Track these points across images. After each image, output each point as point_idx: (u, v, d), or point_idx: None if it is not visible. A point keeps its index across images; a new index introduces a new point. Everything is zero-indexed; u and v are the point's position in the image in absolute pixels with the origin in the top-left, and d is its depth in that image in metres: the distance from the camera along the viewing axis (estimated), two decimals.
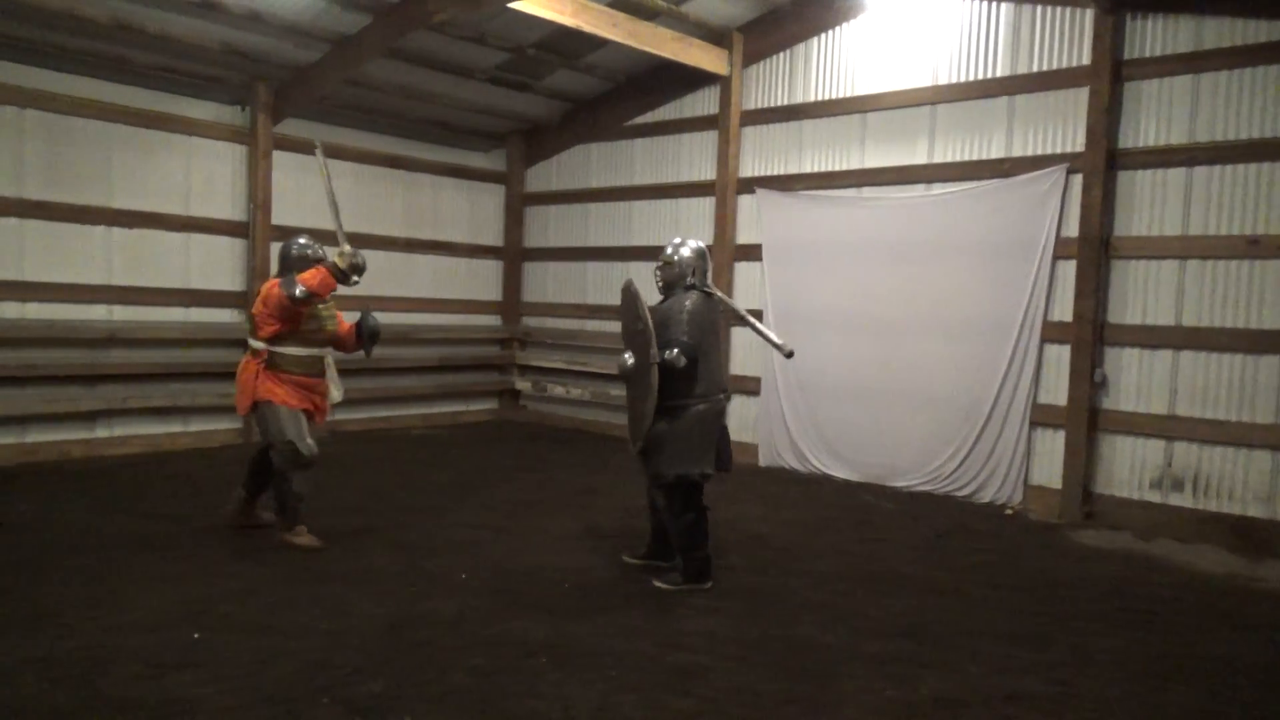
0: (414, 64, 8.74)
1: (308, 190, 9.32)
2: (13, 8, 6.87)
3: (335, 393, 5.73)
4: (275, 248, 9.03)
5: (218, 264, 8.75)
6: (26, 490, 6.63)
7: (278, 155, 8.98)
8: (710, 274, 5.25)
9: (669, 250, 5.16)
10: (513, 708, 3.51)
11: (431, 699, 3.56)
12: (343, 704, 3.49)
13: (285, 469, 5.42)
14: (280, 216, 9.00)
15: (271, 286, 5.37)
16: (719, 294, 5.23)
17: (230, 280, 8.80)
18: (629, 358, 4.95)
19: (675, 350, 4.78)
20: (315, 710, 3.43)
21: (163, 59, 7.98)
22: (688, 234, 9.35)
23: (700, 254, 5.16)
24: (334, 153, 9.49)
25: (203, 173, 8.61)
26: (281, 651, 3.93)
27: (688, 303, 4.96)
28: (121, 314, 8.13)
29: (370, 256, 10.01)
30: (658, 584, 5.04)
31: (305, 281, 5.23)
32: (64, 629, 4.08)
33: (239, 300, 8.71)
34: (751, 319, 5.32)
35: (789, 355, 5.20)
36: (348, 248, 5.37)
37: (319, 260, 5.47)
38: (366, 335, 5.73)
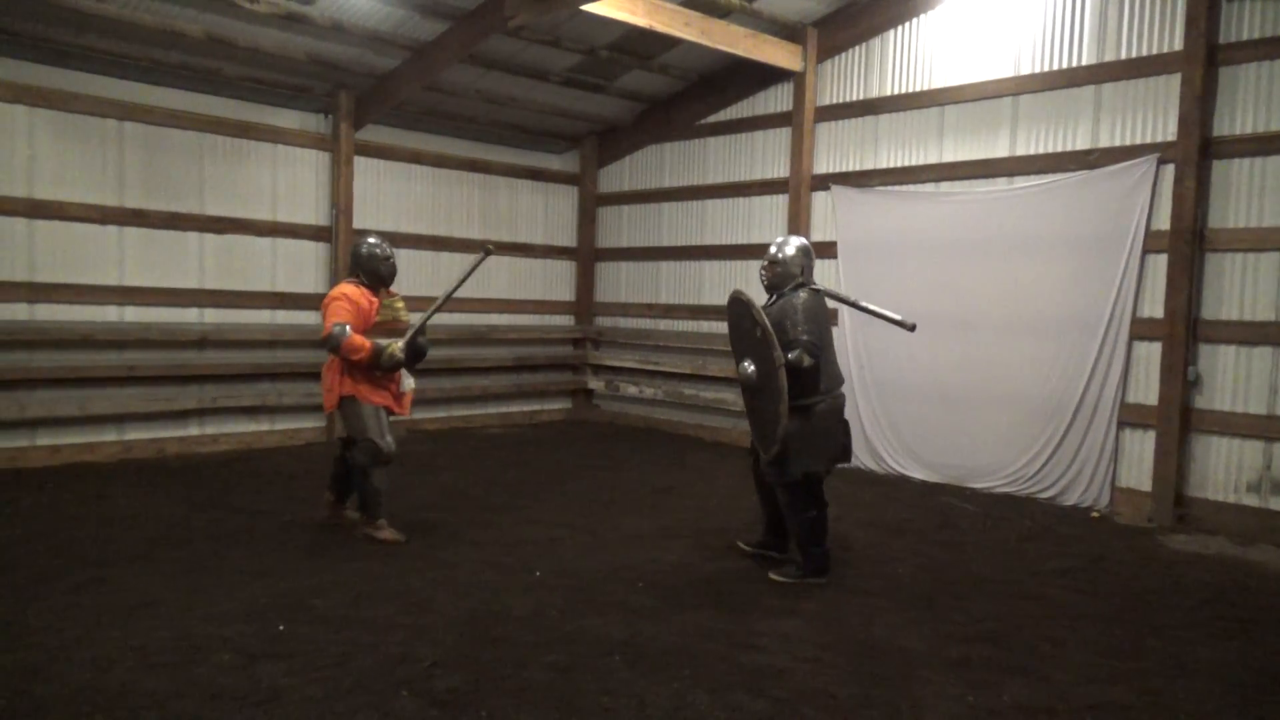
0: (490, 68, 8.88)
1: (387, 194, 9.58)
2: (114, 26, 7.21)
3: (408, 380, 5.84)
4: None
5: (302, 267, 9.04)
6: (127, 486, 6.95)
7: (359, 161, 9.23)
8: (813, 269, 5.21)
9: (774, 250, 5.13)
10: (588, 705, 3.54)
11: (508, 694, 3.61)
12: (422, 697, 3.57)
13: (365, 465, 5.55)
14: (361, 220, 9.26)
15: (330, 300, 5.49)
16: (825, 288, 5.22)
17: (314, 283, 9.07)
18: (749, 365, 4.95)
19: (798, 350, 4.78)
20: (396, 702, 3.51)
21: (252, 70, 8.28)
22: (759, 232, 9.42)
23: (805, 251, 5.15)
24: (413, 157, 9.78)
25: (288, 179, 8.90)
26: (364, 644, 4.03)
27: (799, 301, 4.94)
28: (213, 317, 8.46)
29: (449, 259, 10.40)
30: (773, 576, 5.09)
31: (347, 345, 5.37)
32: (161, 618, 4.26)
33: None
34: (864, 303, 5.28)
35: (912, 328, 5.15)
36: (398, 345, 5.47)
37: (387, 259, 5.70)
38: (413, 353, 5.72)
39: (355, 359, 5.43)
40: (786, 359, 4.73)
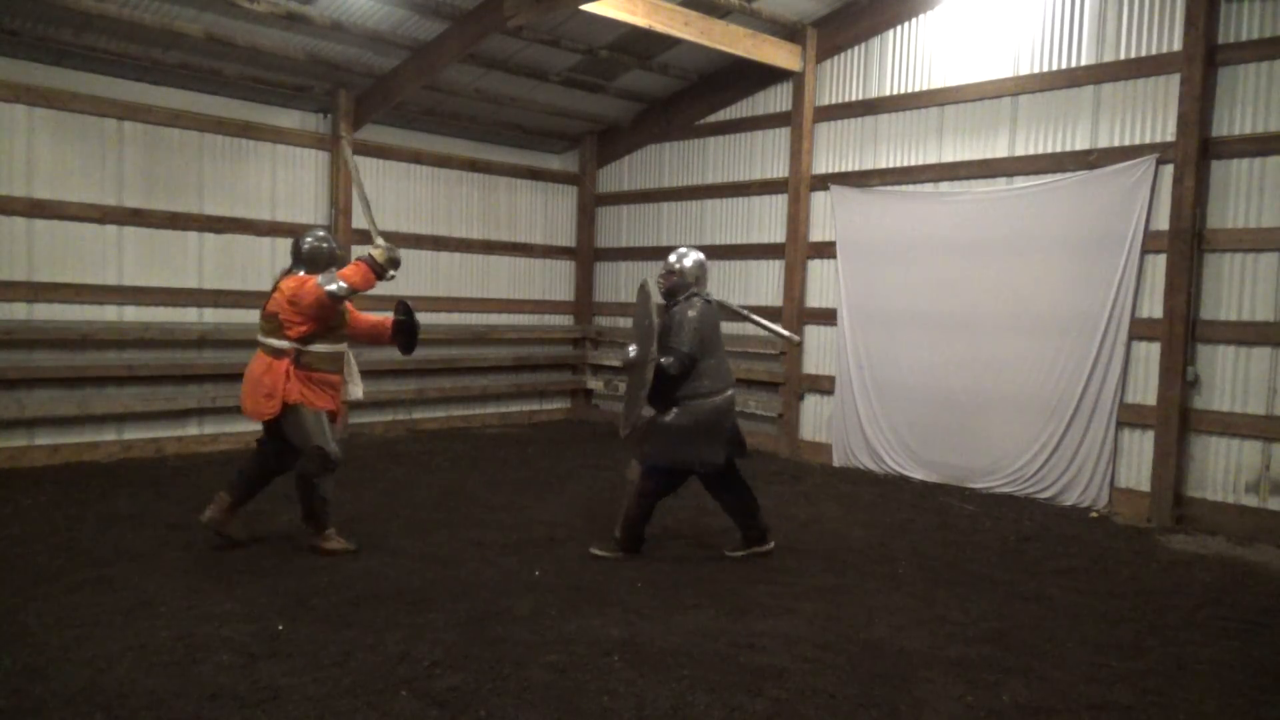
0: (490, 68, 8.88)
1: (386, 194, 9.57)
2: (114, 26, 7.21)
3: (356, 390, 5.50)
4: (355, 251, 9.34)
5: None
6: (127, 485, 6.94)
7: (358, 160, 9.21)
8: (707, 282, 5.59)
9: (672, 260, 5.52)
10: (588, 705, 3.54)
11: (508, 694, 3.61)
12: (422, 697, 3.57)
13: (314, 475, 5.16)
14: (360, 220, 9.22)
15: (299, 284, 5.09)
16: (717, 299, 5.62)
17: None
18: (633, 349, 5.34)
19: (671, 358, 5.18)
20: (395, 702, 3.51)
21: (252, 70, 8.27)
22: (759, 232, 9.43)
23: (701, 264, 5.54)
24: (412, 157, 9.77)
25: (287, 179, 8.89)
26: (363, 644, 4.03)
27: (691, 311, 5.34)
28: (212, 316, 8.46)
29: (449, 259, 10.39)
30: (594, 551, 5.47)
31: (347, 278, 4.99)
32: (161, 618, 4.27)
33: None
34: (753, 315, 5.86)
35: (798, 344, 5.83)
36: (382, 241, 5.20)
37: (333, 254, 5.30)
38: (408, 331, 5.49)
39: (369, 286, 5.07)
40: (660, 360, 5.15)
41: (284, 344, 5.16)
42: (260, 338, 5.29)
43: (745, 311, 5.83)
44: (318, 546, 5.32)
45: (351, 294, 5.07)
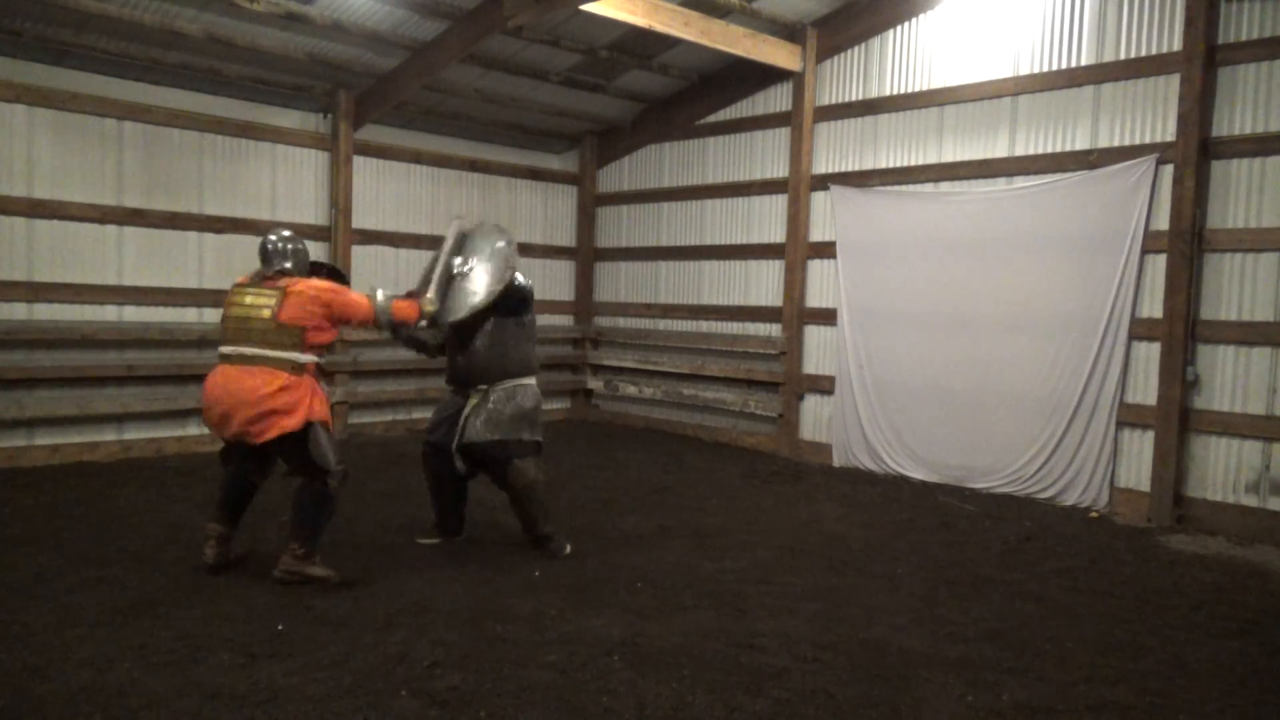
0: (490, 68, 8.88)
1: (386, 194, 9.58)
2: (114, 26, 7.21)
3: None
4: (356, 251, 9.35)
5: None
6: (126, 485, 6.94)
7: (358, 160, 9.23)
8: None
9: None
10: (588, 705, 3.54)
11: (508, 694, 3.61)
12: (422, 696, 3.57)
13: (338, 492, 4.83)
14: (360, 220, 9.26)
15: (333, 291, 4.77)
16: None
17: None
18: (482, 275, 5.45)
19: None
20: (395, 702, 3.51)
21: (252, 70, 8.28)
22: (759, 232, 9.44)
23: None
24: (412, 157, 9.77)
25: (287, 179, 8.89)
26: (363, 644, 4.03)
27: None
28: (212, 316, 8.43)
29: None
30: (561, 554, 5.50)
31: (400, 312, 5.01)
32: (161, 618, 4.27)
33: None
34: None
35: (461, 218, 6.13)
36: (432, 294, 5.21)
37: (304, 252, 4.98)
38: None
39: (402, 321, 5.07)
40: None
41: (306, 358, 4.69)
42: (268, 352, 4.63)
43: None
44: (296, 572, 4.74)
45: (393, 324, 5.08)
